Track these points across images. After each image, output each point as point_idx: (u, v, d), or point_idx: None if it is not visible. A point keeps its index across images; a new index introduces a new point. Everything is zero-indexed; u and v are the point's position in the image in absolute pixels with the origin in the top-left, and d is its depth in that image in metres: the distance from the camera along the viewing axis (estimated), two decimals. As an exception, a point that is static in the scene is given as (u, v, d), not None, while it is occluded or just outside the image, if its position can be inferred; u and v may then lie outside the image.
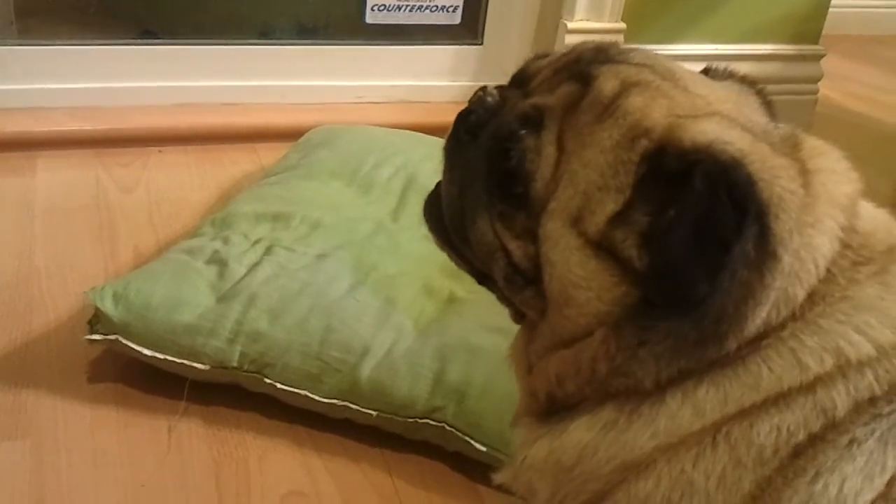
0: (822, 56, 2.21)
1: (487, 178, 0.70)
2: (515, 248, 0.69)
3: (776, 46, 2.17)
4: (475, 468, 1.08)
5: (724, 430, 0.60)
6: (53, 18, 1.96)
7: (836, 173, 0.67)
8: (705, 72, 0.77)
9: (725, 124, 0.63)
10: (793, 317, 0.62)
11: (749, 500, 0.59)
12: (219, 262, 1.23)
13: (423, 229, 1.37)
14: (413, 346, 1.14)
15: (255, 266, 1.22)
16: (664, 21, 2.07)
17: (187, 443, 1.11)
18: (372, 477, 1.08)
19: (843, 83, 2.48)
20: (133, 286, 1.18)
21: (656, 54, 0.72)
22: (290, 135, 1.73)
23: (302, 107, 1.94)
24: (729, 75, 0.76)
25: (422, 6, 2.02)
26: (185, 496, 1.04)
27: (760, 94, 0.74)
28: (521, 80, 0.74)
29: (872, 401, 0.58)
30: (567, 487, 0.66)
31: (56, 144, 1.74)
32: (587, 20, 1.98)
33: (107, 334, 1.16)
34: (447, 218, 0.74)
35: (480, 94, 0.74)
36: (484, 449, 1.06)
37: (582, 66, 0.69)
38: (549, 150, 0.67)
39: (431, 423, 1.09)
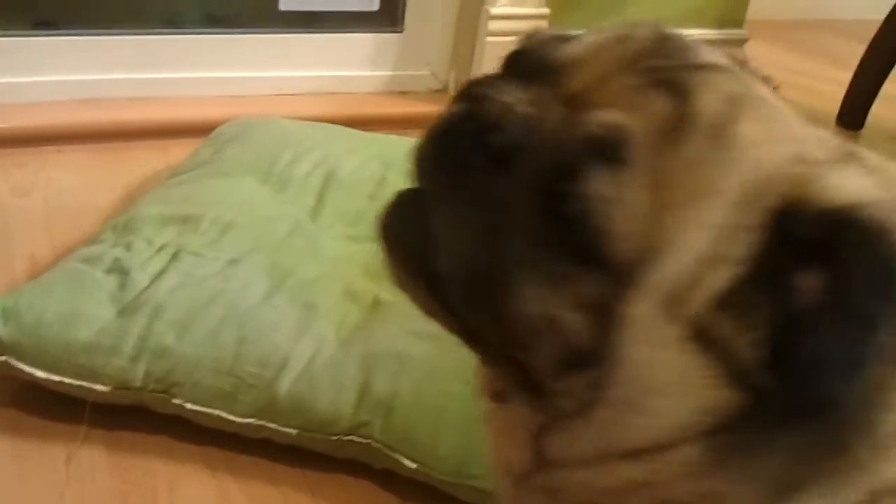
0: (745, 40, 2.19)
1: (537, 229, 0.49)
2: (575, 321, 0.49)
3: (701, 31, 2.14)
4: (405, 486, 1.01)
5: None
6: (-63, 9, 1.82)
7: None
8: None
9: (862, 173, 0.48)
10: None
11: None
12: (120, 270, 1.13)
13: (345, 228, 1.32)
14: (336, 355, 1.06)
15: (159, 275, 1.12)
16: (588, 6, 2.03)
17: (89, 473, 1.01)
18: (294, 501, 1.00)
19: (767, 68, 2.45)
20: (24, 300, 1.07)
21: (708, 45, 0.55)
22: (203, 130, 1.62)
23: (214, 100, 1.84)
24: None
25: (338, -8, 1.93)
26: (86, 533, 0.95)
27: (773, 88, 0.58)
28: (541, 72, 0.53)
29: None
30: None
31: (-58, 145, 1.60)
32: (510, 6, 1.92)
33: (-5, 355, 1.05)
34: (452, 274, 0.52)
35: (508, 102, 0.51)
36: (414, 466, 0.99)
37: (665, 70, 0.50)
38: (640, 199, 0.47)
39: (357, 439, 1.01)
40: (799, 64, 2.66)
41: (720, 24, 2.16)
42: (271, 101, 1.87)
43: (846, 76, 2.20)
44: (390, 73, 1.99)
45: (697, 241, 0.47)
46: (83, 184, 1.58)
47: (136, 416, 1.06)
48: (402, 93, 1.98)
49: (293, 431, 1.02)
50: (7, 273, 1.31)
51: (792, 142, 0.49)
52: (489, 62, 1.90)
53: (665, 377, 0.47)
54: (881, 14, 2.17)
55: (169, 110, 1.79)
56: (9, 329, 1.05)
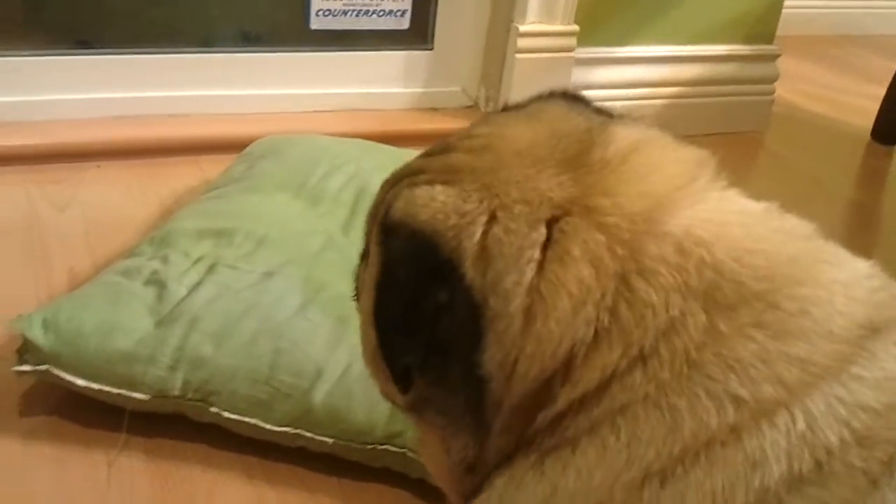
0: (777, 56, 2.19)
1: None
2: None
3: (731, 47, 2.14)
4: (440, 496, 1.01)
5: None
6: (-20, 29, 1.86)
7: (634, 168, 0.57)
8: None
9: (423, 189, 0.60)
10: (619, 381, 0.53)
11: None
12: (157, 283, 1.15)
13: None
14: (369, 366, 1.07)
15: (196, 286, 1.14)
16: (617, 23, 2.04)
17: (128, 479, 1.03)
18: (329, 509, 1.01)
19: (799, 83, 2.46)
20: (64, 312, 1.09)
21: (491, 115, 0.70)
22: (236, 146, 1.65)
23: (247, 117, 1.86)
24: (538, 97, 0.69)
25: (368, 10, 1.95)
26: (125, 539, 0.96)
27: (571, 98, 0.67)
28: None
29: None
30: None
31: (-16, 161, 1.64)
32: (539, 23, 1.93)
33: (37, 365, 1.07)
34: None
35: None
36: (448, 475, 0.99)
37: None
38: (364, 265, 0.68)
39: (392, 449, 1.02)
40: (831, 79, 2.65)
41: (750, 39, 2.16)
42: (303, 118, 1.89)
43: (879, 91, 2.19)
44: (421, 90, 2.01)
45: (372, 266, 0.63)
46: (120, 198, 1.61)
47: (175, 424, 1.08)
48: (433, 109, 2.00)
49: (328, 440, 1.03)
50: (47, 286, 1.34)
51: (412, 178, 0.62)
52: (518, 79, 1.91)
53: (374, 365, 0.66)
54: (913, 29, 2.16)
55: (203, 127, 1.82)
56: (49, 339, 1.07)
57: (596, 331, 0.53)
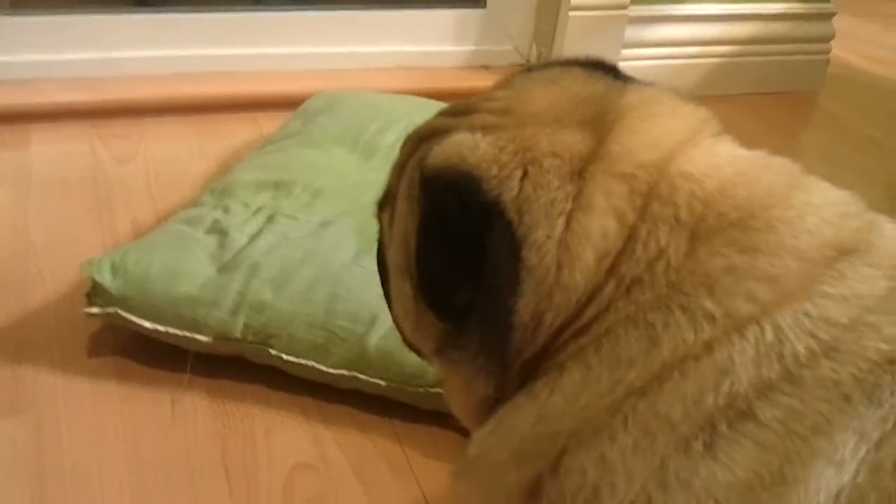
0: (833, 14, 2.16)
1: None
2: None
3: (787, 5, 2.11)
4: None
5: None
6: (45, -12, 1.91)
7: (645, 124, 0.61)
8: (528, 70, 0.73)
9: (467, 135, 0.62)
10: (608, 309, 0.56)
11: None
12: (219, 231, 1.20)
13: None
14: (422, 313, 1.10)
15: (256, 235, 1.19)
16: (671, -18, 2.02)
17: (192, 416, 1.08)
18: (382, 448, 1.05)
19: (855, 43, 2.42)
20: (131, 257, 1.14)
21: (513, 77, 0.70)
22: (290, 103, 1.69)
23: (302, 74, 1.90)
24: (557, 63, 0.71)
25: (422, -32, 1.97)
26: (189, 471, 1.01)
27: (590, 65, 0.69)
28: None
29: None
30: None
31: (50, 116, 1.69)
32: (592, -19, 1.93)
33: (105, 307, 1.12)
34: None
35: None
36: (497, 418, 1.03)
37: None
38: (386, 219, 0.71)
39: (442, 391, 1.05)
40: (889, 38, 2.60)
41: (806, -3, 2.13)
42: (357, 75, 1.92)
43: (938, 50, 2.15)
44: (473, 48, 2.02)
45: (400, 225, 0.66)
46: (180, 152, 1.66)
47: (236, 366, 1.13)
48: (485, 67, 2.02)
49: (382, 383, 1.07)
50: (112, 235, 1.39)
51: (444, 135, 0.63)
52: (571, 37, 1.92)
53: (412, 317, 0.67)
54: (975, -14, 2.11)
55: (259, 84, 1.85)
56: (117, 283, 1.12)
57: (606, 273, 0.57)
